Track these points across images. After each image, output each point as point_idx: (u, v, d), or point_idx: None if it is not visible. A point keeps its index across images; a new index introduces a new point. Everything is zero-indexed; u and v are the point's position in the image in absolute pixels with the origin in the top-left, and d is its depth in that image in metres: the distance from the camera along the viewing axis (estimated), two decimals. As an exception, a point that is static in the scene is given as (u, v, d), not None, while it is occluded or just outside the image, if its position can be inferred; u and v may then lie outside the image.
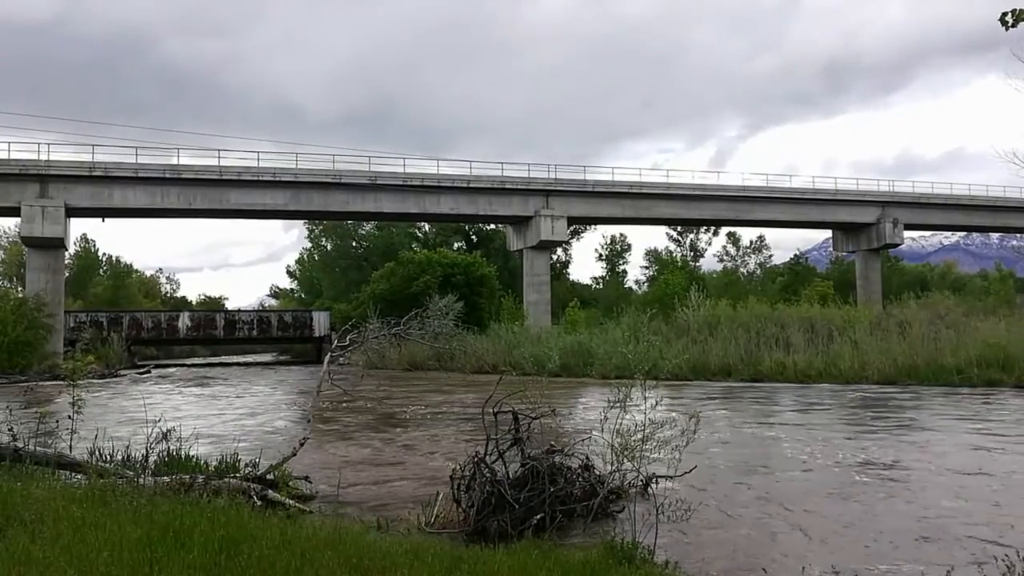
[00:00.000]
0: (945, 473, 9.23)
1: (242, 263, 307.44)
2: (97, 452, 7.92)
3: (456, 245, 61.26)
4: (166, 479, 6.94)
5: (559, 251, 61.45)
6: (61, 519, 5.12)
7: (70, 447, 7.80)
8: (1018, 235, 63.43)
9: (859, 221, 51.13)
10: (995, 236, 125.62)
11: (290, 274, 79.14)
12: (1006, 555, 4.72)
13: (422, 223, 61.19)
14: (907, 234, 54.30)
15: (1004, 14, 4.36)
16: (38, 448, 7.62)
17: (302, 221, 64.65)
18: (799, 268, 62.34)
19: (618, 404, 6.55)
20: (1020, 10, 4.31)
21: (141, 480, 6.81)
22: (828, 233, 57.38)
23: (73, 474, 7.36)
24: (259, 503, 6.93)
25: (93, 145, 39.62)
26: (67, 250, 45.00)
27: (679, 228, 68.28)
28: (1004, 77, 10.87)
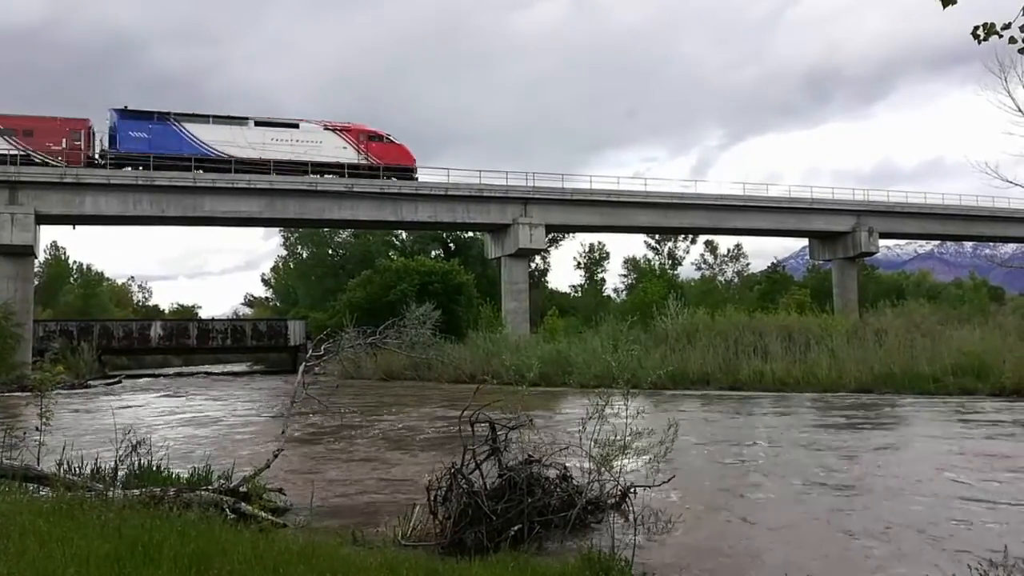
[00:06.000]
0: (915, 485, 9.26)
1: (219, 271, 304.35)
2: (65, 464, 7.74)
3: (434, 253, 61.08)
4: (136, 492, 6.81)
5: (537, 259, 61.41)
6: (27, 533, 4.98)
7: (37, 459, 7.63)
8: (991, 244, 64.23)
9: (835, 230, 51.57)
10: (969, 245, 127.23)
11: (265, 282, 78.76)
12: (979, 563, 4.70)
13: (399, 231, 60.99)
14: (882, 243, 54.85)
15: (976, 27, 4.42)
16: (4, 460, 7.44)
17: (279, 228, 64.29)
18: (776, 276, 62.69)
19: (597, 414, 6.51)
20: (991, 24, 4.37)
21: (110, 493, 6.67)
22: (805, 241, 57.84)
23: (40, 487, 7.20)
24: (231, 516, 6.81)
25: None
26: (37, 258, 44.39)
27: (657, 236, 68.48)
28: (979, 90, 11.00)
